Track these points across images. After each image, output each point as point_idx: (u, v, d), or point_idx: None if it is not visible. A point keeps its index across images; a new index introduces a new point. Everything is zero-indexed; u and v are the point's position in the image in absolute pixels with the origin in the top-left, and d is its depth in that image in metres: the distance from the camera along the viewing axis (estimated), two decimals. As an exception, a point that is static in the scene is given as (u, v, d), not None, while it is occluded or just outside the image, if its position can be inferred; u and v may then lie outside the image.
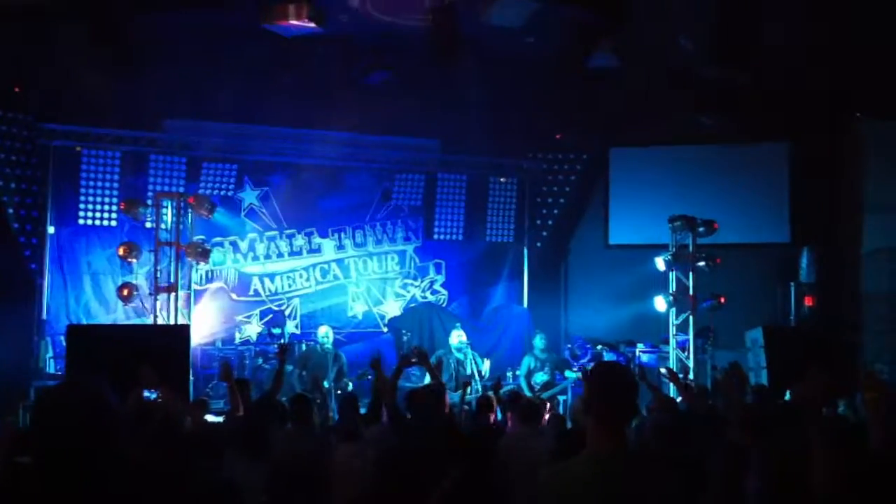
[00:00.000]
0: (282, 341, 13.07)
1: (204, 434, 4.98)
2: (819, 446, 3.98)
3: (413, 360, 7.45)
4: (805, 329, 13.16)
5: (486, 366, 11.89)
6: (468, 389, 9.87)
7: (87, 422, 3.24)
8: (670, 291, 12.79)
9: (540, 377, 12.15)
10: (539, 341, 12.46)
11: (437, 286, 15.72)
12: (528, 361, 12.35)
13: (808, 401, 4.42)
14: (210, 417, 7.24)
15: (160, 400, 6.88)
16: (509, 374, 13.40)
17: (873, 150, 13.61)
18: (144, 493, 3.31)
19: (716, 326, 13.03)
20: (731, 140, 14.52)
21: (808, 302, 13.72)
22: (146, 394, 7.20)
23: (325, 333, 12.02)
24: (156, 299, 12.46)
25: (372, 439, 5.06)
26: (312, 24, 10.52)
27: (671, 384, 9.05)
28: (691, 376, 12.42)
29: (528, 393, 12.02)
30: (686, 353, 12.73)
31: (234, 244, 14.69)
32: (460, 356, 11.72)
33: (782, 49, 11.20)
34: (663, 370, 6.82)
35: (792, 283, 13.87)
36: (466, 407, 9.50)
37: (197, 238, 13.39)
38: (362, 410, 7.82)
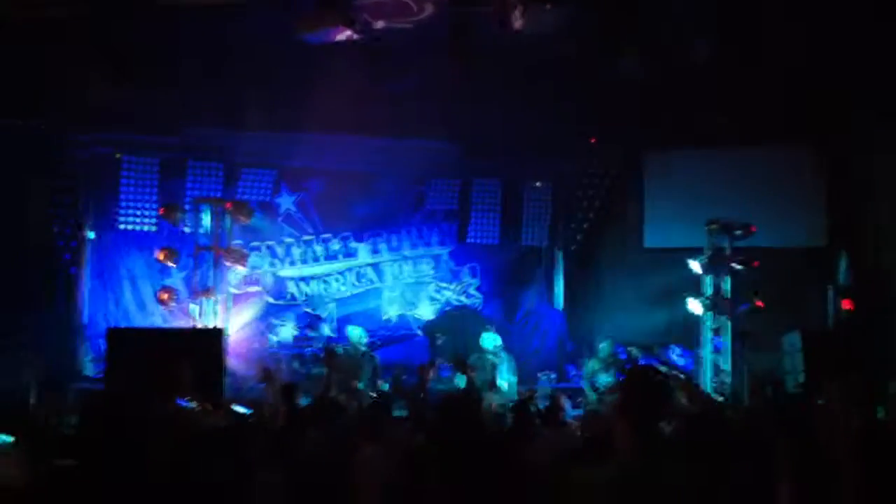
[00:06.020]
0: (328, 346, 13.07)
1: (229, 436, 5.06)
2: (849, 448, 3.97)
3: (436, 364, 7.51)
4: (843, 333, 12.99)
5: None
6: (494, 395, 9.93)
7: (127, 429, 3.34)
8: (706, 295, 12.69)
9: (603, 379, 12.04)
10: (606, 346, 12.38)
11: (471, 290, 15.72)
12: (591, 365, 12.28)
13: (839, 404, 4.41)
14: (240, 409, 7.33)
15: (196, 408, 7.00)
16: (543, 377, 13.38)
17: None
18: (175, 491, 3.40)
19: (752, 330, 12.90)
20: (768, 143, 14.39)
21: (845, 305, 13.54)
22: (183, 402, 7.32)
23: (359, 335, 12.06)
24: (193, 303, 12.59)
25: (397, 439, 5.12)
26: (349, 32, 10.57)
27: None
28: (728, 380, 12.33)
29: (590, 394, 11.99)
30: (722, 357, 12.63)
31: (271, 249, 14.82)
32: (495, 359, 11.73)
33: (813, 50, 11.12)
34: (681, 375, 6.79)
35: (830, 287, 13.70)
36: (500, 410, 9.53)
37: (235, 243, 13.51)
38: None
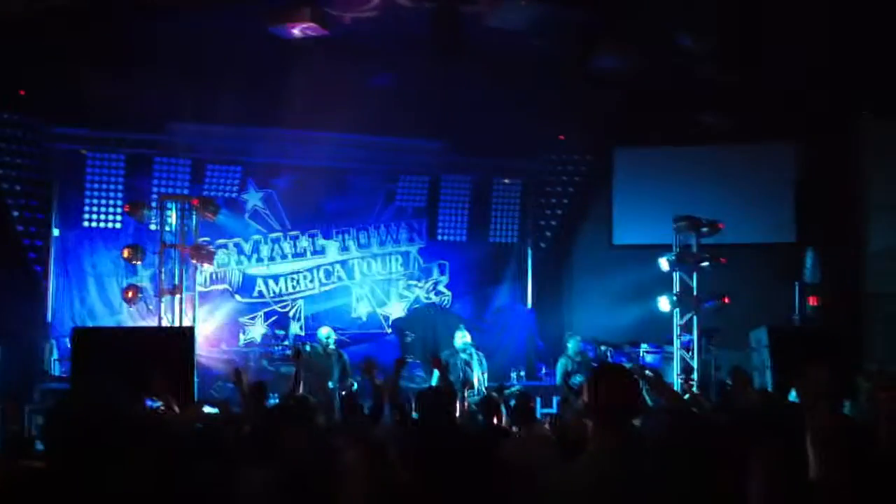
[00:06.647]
0: (296, 345, 12.98)
1: (206, 438, 5.00)
2: (819, 444, 3.99)
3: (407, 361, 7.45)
4: (810, 329, 13.13)
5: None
6: (468, 392, 9.88)
7: (97, 431, 3.27)
8: (674, 292, 12.76)
9: (578, 379, 11.95)
10: (573, 344, 12.29)
11: (440, 287, 15.71)
12: (563, 364, 12.13)
13: (808, 399, 4.43)
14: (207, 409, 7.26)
15: (165, 409, 6.92)
16: (514, 374, 13.39)
17: (879, 149, 13.58)
18: (149, 496, 3.35)
19: (720, 326, 13.00)
20: (736, 140, 14.48)
21: (812, 301, 13.70)
22: (150, 402, 7.23)
23: (327, 334, 11.99)
24: (160, 301, 12.46)
25: (377, 440, 5.09)
26: (317, 28, 10.55)
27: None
28: (695, 376, 12.42)
29: (567, 394, 11.93)
30: (690, 354, 12.72)
31: (237, 246, 14.70)
32: (466, 357, 11.70)
33: (786, 48, 11.19)
34: (648, 372, 6.75)
35: (797, 283, 13.83)
36: (474, 408, 9.50)
37: (201, 240, 13.37)
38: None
